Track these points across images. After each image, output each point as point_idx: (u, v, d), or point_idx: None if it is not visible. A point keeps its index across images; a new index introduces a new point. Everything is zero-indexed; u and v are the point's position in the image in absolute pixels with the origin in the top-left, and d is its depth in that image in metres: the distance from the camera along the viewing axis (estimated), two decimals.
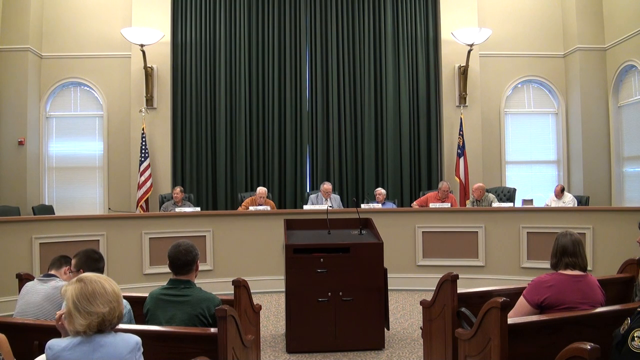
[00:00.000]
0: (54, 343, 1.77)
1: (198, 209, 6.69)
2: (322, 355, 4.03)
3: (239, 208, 7.00)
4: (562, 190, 7.38)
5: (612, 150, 8.02)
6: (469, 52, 7.93)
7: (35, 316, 2.69)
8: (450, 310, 3.03)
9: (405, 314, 5.17)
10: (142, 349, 1.85)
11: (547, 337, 2.37)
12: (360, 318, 4.11)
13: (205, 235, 6.03)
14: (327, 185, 7.19)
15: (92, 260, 2.70)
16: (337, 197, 7.40)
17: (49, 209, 7.31)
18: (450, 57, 8.23)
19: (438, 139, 8.45)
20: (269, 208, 6.64)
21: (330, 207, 6.52)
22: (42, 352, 1.81)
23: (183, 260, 2.59)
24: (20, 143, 7.57)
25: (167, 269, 2.64)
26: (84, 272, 2.29)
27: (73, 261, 2.74)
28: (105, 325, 1.77)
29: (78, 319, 1.75)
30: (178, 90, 8.18)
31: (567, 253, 2.60)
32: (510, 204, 6.98)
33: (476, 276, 5.96)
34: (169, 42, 8.03)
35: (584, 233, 5.83)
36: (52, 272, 2.92)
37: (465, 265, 6.04)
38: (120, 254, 5.78)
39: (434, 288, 3.30)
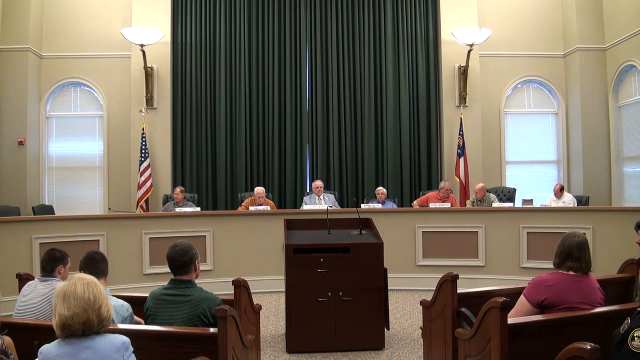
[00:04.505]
0: (44, 348, 1.77)
1: (198, 209, 6.69)
2: (322, 355, 4.03)
3: (239, 208, 6.99)
4: (562, 189, 7.36)
5: (612, 150, 8.01)
6: (469, 52, 7.93)
7: (34, 316, 2.68)
8: (450, 310, 3.03)
9: (405, 314, 5.17)
10: (131, 348, 1.81)
11: (547, 337, 2.37)
12: (360, 318, 4.10)
13: (205, 235, 6.03)
14: (317, 183, 7.18)
15: (93, 262, 2.70)
16: (331, 196, 7.38)
17: (49, 209, 7.31)
18: (450, 57, 8.22)
19: (438, 138, 8.44)
20: (268, 208, 6.63)
21: (330, 206, 6.52)
22: None
23: (180, 260, 2.59)
24: (20, 143, 7.57)
25: (167, 269, 2.65)
26: (84, 273, 2.29)
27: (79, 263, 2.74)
28: (70, 330, 1.71)
29: (53, 318, 1.74)
30: (178, 90, 8.18)
31: (572, 257, 2.61)
32: (510, 204, 6.97)
33: (476, 276, 5.96)
34: (169, 42, 8.03)
35: (584, 233, 5.80)
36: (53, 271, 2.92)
37: (465, 265, 6.04)
38: (120, 254, 5.78)
39: (434, 288, 3.30)
